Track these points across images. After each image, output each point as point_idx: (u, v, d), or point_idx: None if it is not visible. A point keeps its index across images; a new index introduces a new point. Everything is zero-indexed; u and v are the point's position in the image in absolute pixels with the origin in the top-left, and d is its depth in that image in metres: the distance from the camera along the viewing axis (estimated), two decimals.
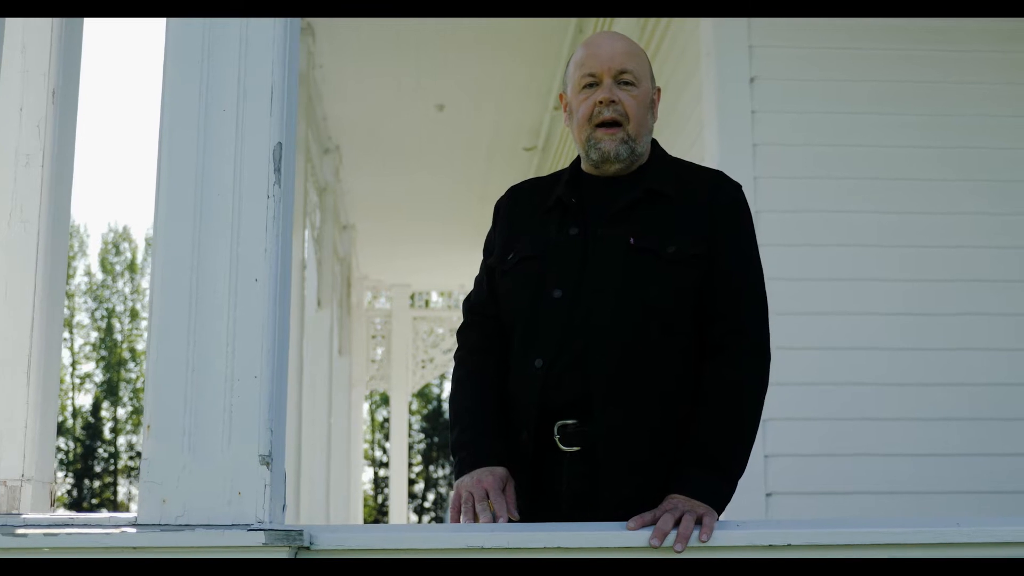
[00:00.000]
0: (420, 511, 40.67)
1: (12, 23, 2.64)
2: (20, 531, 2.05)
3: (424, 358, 15.50)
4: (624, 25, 6.32)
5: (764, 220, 4.44)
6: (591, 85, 2.54)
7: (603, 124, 2.52)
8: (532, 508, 2.42)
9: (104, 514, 2.23)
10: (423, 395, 40.58)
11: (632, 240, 2.44)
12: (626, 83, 2.53)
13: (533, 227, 2.56)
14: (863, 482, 4.40)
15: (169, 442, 2.09)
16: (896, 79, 4.72)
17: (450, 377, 2.69)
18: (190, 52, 2.20)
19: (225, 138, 2.17)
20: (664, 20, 5.61)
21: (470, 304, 2.67)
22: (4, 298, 2.64)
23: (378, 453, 40.96)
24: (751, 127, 4.56)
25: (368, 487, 39.75)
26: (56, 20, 2.69)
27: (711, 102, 4.61)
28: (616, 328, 2.40)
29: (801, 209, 4.56)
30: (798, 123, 4.64)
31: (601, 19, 6.94)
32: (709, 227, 2.47)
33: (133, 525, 2.07)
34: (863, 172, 4.62)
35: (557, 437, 2.42)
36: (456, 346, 2.69)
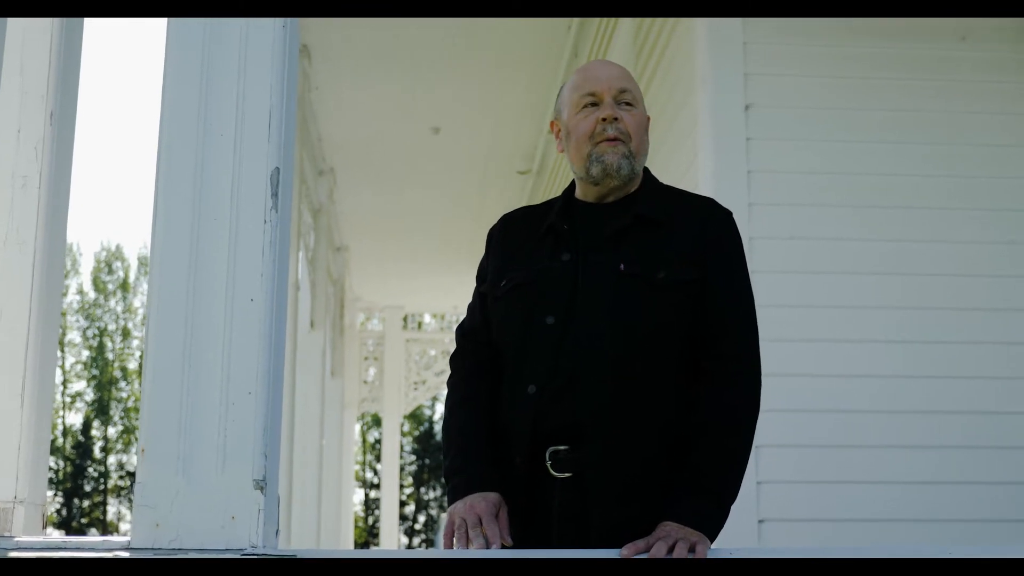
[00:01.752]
0: (411, 533, 40.51)
1: (11, 45, 2.64)
2: (12, 554, 2.05)
3: (416, 380, 15.50)
4: (620, 50, 6.35)
5: (759, 247, 4.46)
6: (592, 104, 2.56)
7: (606, 140, 2.53)
8: (524, 534, 2.42)
9: (97, 537, 2.23)
10: (415, 417, 40.45)
11: (622, 266, 2.45)
12: (626, 103, 2.56)
13: (526, 254, 2.57)
14: (856, 509, 4.39)
15: (163, 466, 2.09)
16: (892, 107, 4.74)
17: (442, 399, 2.70)
18: (189, 78, 2.21)
19: (223, 163, 2.18)
20: (660, 44, 5.63)
21: (463, 331, 2.68)
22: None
23: (369, 475, 40.83)
24: (746, 154, 4.58)
25: (359, 509, 39.61)
26: (55, 42, 2.70)
27: (706, 129, 4.63)
28: (607, 354, 2.41)
29: (796, 236, 4.57)
30: (793, 150, 4.66)
31: (599, 39, 6.97)
32: (700, 253, 2.48)
33: (126, 549, 2.07)
34: (858, 200, 4.64)
35: (549, 463, 2.42)
36: (449, 371, 2.69)
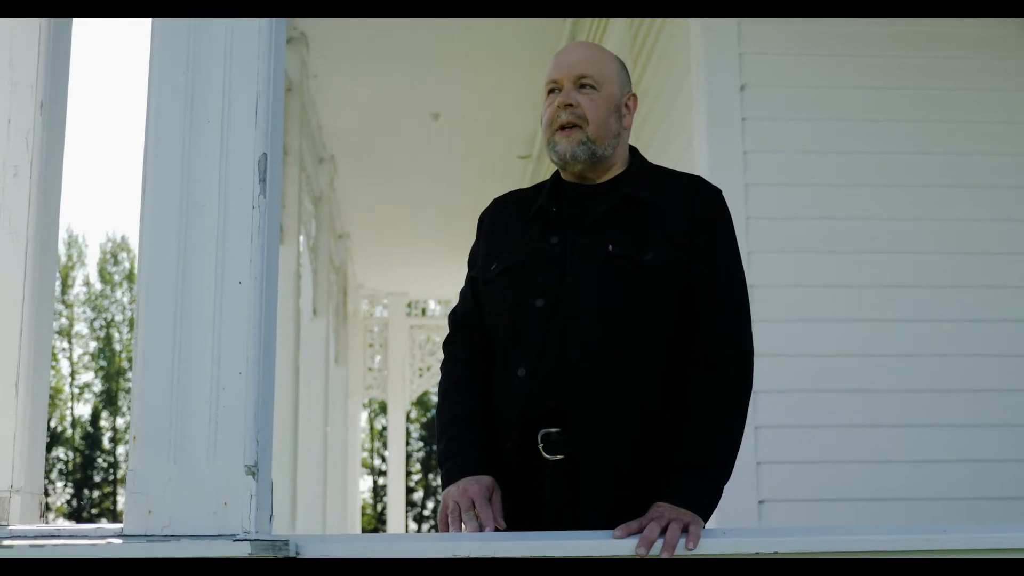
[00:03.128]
0: (420, 519, 40.63)
1: (0, 36, 2.65)
2: (6, 542, 2.06)
3: (421, 366, 15.53)
4: (616, 34, 6.34)
5: (755, 227, 4.45)
6: (553, 91, 2.58)
7: (562, 127, 2.54)
8: (517, 517, 2.42)
9: (91, 525, 2.23)
10: (421, 403, 40.51)
11: (610, 247, 2.45)
12: (586, 86, 2.55)
13: (515, 237, 2.58)
14: (856, 489, 4.40)
15: (155, 453, 2.09)
16: (886, 86, 4.72)
17: (439, 385, 2.70)
18: (175, 64, 2.21)
19: (210, 150, 2.18)
20: (655, 29, 5.62)
21: (455, 316, 2.68)
22: None
23: (377, 462, 40.94)
24: (742, 134, 4.56)
25: (368, 496, 39.71)
26: (44, 33, 2.70)
27: (701, 110, 4.62)
28: (596, 335, 2.41)
29: (792, 216, 4.57)
30: (789, 130, 4.65)
31: (596, 25, 6.95)
32: (688, 232, 2.47)
33: (119, 536, 2.07)
34: (854, 179, 4.63)
35: (540, 446, 2.42)
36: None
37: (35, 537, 2.10)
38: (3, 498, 2.58)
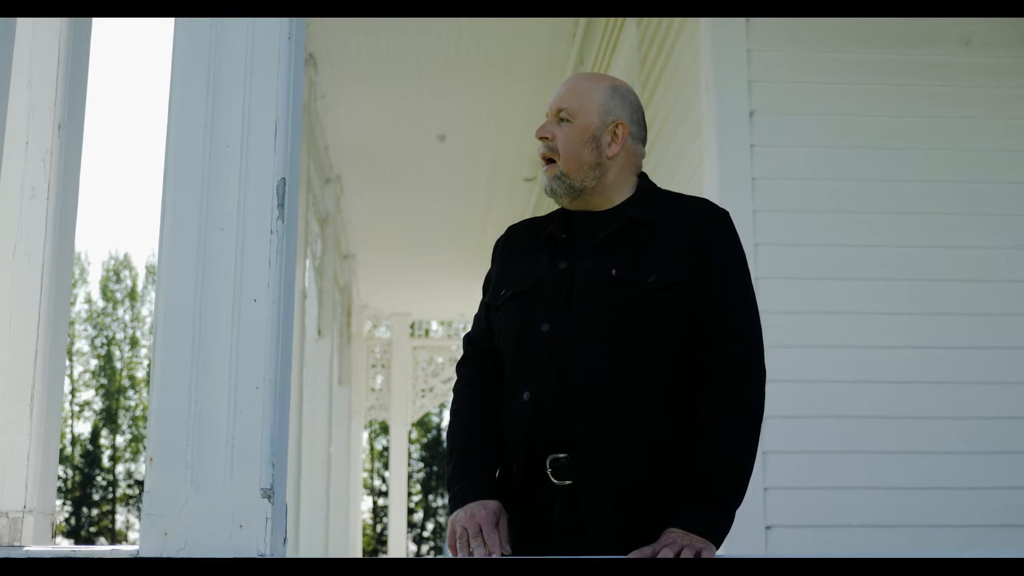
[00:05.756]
0: (419, 540, 40.52)
1: (19, 58, 2.66)
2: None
3: (424, 387, 15.52)
4: (625, 57, 6.37)
5: (763, 253, 4.46)
6: None
7: (545, 160, 2.61)
8: (523, 540, 2.42)
9: (106, 547, 2.24)
10: (423, 424, 40.51)
11: (613, 271, 2.46)
12: (561, 119, 2.59)
13: (525, 263, 2.59)
14: (863, 515, 4.39)
15: (171, 475, 2.10)
16: (896, 114, 4.74)
17: (450, 406, 2.71)
18: (195, 90, 2.23)
19: (229, 174, 2.19)
20: (664, 51, 5.64)
21: (469, 339, 2.70)
22: (8, 329, 2.65)
23: (377, 482, 40.86)
24: (750, 161, 4.58)
25: (367, 516, 39.62)
26: (62, 55, 2.72)
27: (710, 135, 4.63)
28: (600, 359, 2.41)
29: (800, 243, 4.57)
30: (797, 157, 4.66)
31: (604, 47, 6.98)
32: (693, 254, 2.46)
33: (135, 558, 2.08)
34: (862, 206, 4.64)
35: (549, 471, 2.42)
36: (455, 378, 2.71)
37: (50, 559, 2.11)
38: (16, 518, 2.58)
